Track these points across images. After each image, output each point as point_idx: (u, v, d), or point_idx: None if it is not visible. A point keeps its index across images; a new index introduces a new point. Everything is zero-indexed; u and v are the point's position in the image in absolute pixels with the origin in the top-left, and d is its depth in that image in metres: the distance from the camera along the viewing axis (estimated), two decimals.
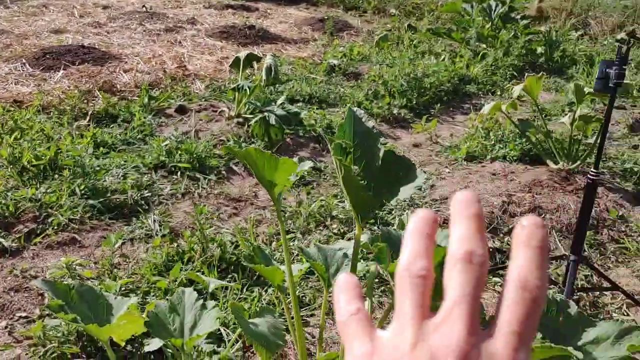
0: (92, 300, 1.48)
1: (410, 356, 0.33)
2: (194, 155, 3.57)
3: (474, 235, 0.35)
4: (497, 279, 2.59)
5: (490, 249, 2.80)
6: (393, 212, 3.10)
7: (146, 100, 4.31)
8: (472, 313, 0.34)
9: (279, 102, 4.19)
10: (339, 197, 3.28)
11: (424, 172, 1.53)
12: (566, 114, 3.93)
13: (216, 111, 4.32)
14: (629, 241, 3.00)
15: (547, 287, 0.35)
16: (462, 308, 0.34)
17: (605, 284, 2.48)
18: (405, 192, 1.52)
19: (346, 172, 1.42)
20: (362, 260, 2.46)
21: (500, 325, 0.34)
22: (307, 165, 1.74)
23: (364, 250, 2.04)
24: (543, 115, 4.17)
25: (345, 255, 1.82)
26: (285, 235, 1.57)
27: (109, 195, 3.06)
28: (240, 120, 4.16)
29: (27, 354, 2.00)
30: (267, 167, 1.56)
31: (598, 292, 2.53)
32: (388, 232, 1.55)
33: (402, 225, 1.82)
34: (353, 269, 1.54)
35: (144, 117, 4.08)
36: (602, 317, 2.37)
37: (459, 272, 0.35)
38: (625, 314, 2.45)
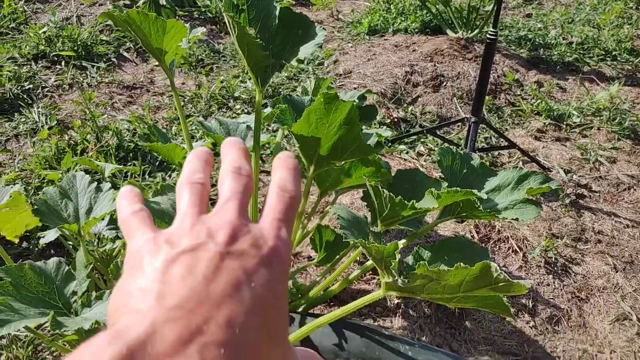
0: None
1: (189, 233, 0.37)
2: (79, 43, 3.25)
3: (241, 158, 0.43)
4: (402, 147, 2.63)
5: (396, 119, 2.81)
6: (297, 89, 3.01)
7: None
8: (242, 206, 0.40)
9: None
10: (240, 77, 3.13)
11: (323, 29, 1.44)
12: None
13: None
14: (524, 103, 3.11)
15: (300, 196, 0.42)
16: (234, 201, 0.40)
17: (503, 143, 2.58)
18: (305, 50, 1.43)
19: (240, 31, 1.30)
20: (266, 131, 2.40)
21: (266, 215, 0.40)
22: (199, 30, 1.59)
23: (266, 122, 1.96)
24: None
25: (248, 127, 1.74)
26: (180, 106, 1.46)
27: None
28: (127, 2, 3.80)
29: None
30: (154, 32, 1.41)
31: (497, 152, 2.63)
32: (289, 96, 1.47)
33: (305, 92, 1.74)
34: (256, 137, 1.47)
35: (15, 3, 3.63)
36: None
37: (231, 179, 0.41)
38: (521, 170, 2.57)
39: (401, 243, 1.00)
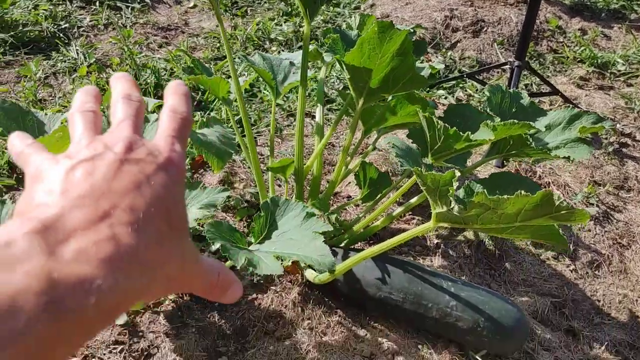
0: (19, 118, 1.34)
1: (87, 148, 0.38)
2: None
3: (131, 87, 0.45)
4: (440, 92, 2.58)
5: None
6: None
7: None
8: (136, 125, 0.42)
9: None
10: (275, 20, 3.09)
11: None
12: None
13: None
14: (567, 50, 3.02)
15: (192, 119, 0.45)
16: (127, 122, 0.41)
17: (545, 90, 2.52)
18: None
19: None
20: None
21: (159, 134, 0.42)
22: None
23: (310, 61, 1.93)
24: None
25: (291, 63, 1.72)
26: (226, 36, 1.44)
27: (20, 28, 2.75)
28: None
29: None
30: None
31: (537, 99, 2.58)
32: (339, 26, 1.44)
33: (349, 28, 1.71)
34: (303, 71, 1.45)
35: None
36: None
37: (122, 104, 0.43)
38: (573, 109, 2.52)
39: (458, 172, 0.99)
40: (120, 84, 0.46)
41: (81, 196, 0.34)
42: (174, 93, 0.46)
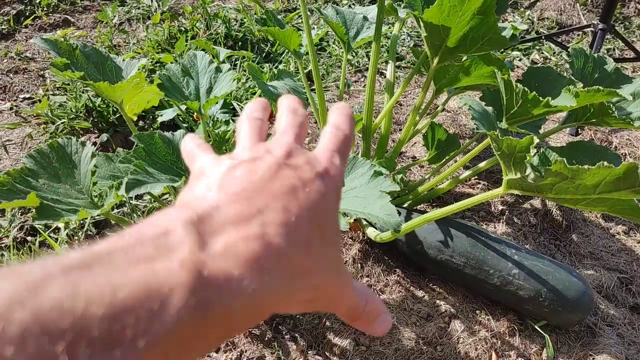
0: (99, 63, 1.38)
1: (249, 150, 0.40)
2: None
3: (296, 104, 0.46)
4: (515, 53, 2.48)
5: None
6: None
7: None
8: (298, 136, 0.42)
9: None
10: None
11: None
12: None
13: None
14: None
15: (352, 138, 0.45)
16: (290, 132, 0.42)
17: (628, 55, 2.38)
18: None
19: None
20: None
21: (320, 146, 0.42)
22: None
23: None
24: None
25: (364, 18, 1.69)
26: None
27: None
28: None
29: (37, 131, 1.97)
30: None
31: (620, 64, 2.44)
32: None
33: None
34: (378, 24, 1.42)
35: None
36: None
37: (286, 116, 0.44)
38: None
39: (536, 139, 0.95)
40: (286, 100, 0.47)
41: (237, 192, 0.35)
42: (340, 114, 0.46)
